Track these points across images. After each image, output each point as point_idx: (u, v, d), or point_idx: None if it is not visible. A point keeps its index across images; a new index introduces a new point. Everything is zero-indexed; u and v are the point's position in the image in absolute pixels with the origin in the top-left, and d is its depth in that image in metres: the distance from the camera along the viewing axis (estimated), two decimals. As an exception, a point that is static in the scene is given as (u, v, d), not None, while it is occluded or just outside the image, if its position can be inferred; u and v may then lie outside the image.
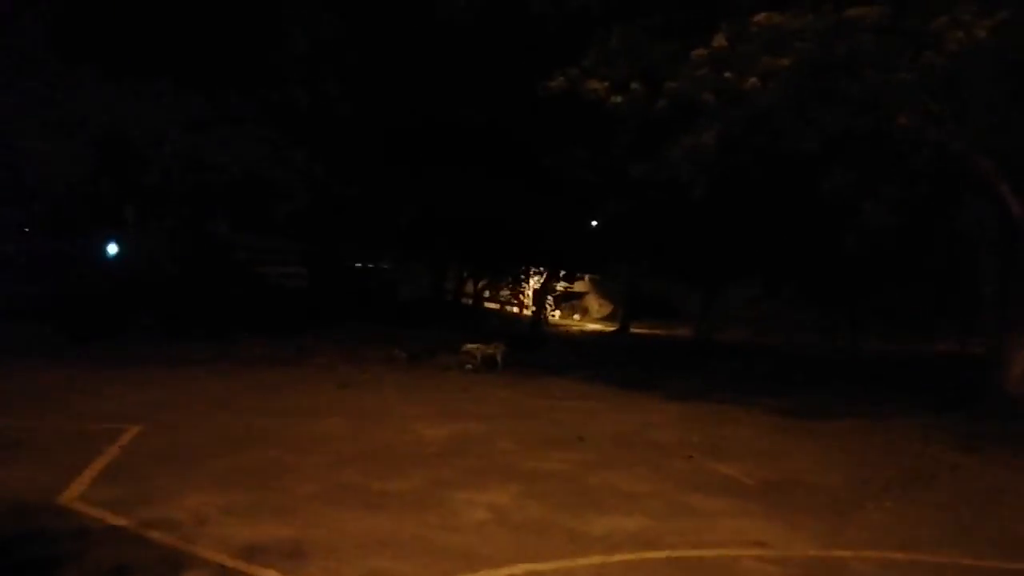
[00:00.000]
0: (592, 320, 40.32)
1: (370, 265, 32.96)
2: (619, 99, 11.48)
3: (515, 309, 37.84)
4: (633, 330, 33.17)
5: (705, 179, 12.74)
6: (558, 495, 7.01)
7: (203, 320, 20.74)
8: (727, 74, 10.54)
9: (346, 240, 26.04)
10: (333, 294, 28.65)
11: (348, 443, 8.73)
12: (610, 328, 35.33)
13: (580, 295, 39.77)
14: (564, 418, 11.18)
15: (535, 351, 20.72)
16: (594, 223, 24.64)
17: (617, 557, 5.49)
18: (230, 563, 4.97)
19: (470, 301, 35.31)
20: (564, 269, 29.62)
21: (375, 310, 26.88)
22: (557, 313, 37.34)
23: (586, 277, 36.10)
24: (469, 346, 17.08)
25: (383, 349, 19.09)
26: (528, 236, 24.77)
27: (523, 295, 37.36)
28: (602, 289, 40.68)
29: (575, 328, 35.50)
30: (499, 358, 16.97)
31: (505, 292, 37.60)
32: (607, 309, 41.82)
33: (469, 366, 16.76)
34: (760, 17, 10.21)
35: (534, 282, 35.86)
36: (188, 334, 19.32)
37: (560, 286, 34.01)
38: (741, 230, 18.00)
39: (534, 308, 33.81)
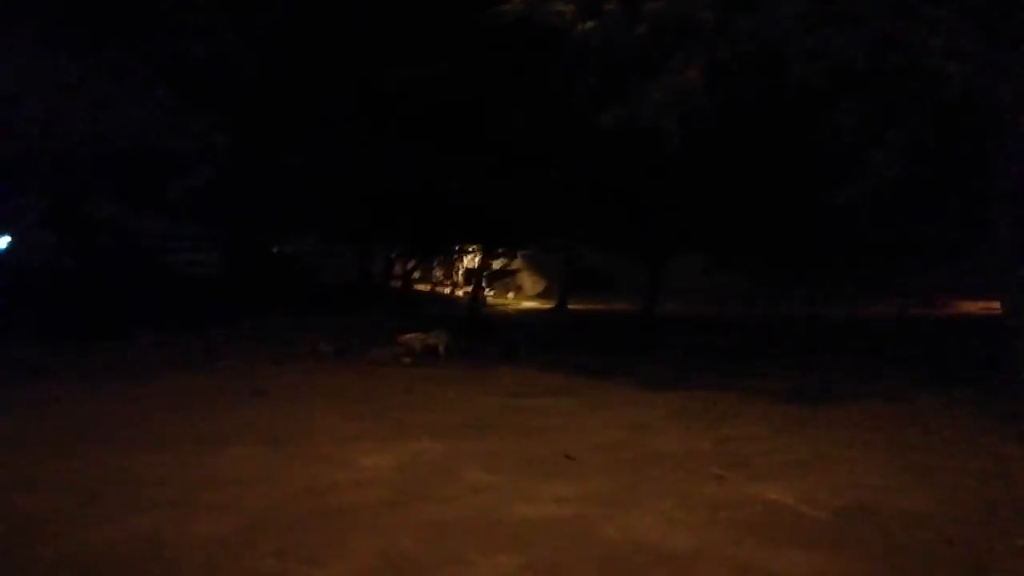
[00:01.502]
0: (526, 298, 38.11)
1: (289, 249, 29.69)
2: (590, 24, 8.98)
3: (447, 290, 35.17)
4: (571, 306, 31.02)
5: (680, 128, 10.44)
6: (576, 569, 4.57)
7: (94, 319, 17.45)
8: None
9: (256, 221, 22.76)
10: (248, 282, 25.41)
11: (257, 491, 6.05)
12: (547, 305, 33.17)
13: (512, 272, 37.36)
14: (536, 424, 8.74)
15: (478, 336, 18.19)
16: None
17: None
18: None
19: (399, 284, 32.49)
20: (503, 245, 27.17)
21: (296, 298, 23.81)
22: (490, 292, 34.83)
23: (517, 253, 33.71)
24: (406, 336, 14.47)
25: (306, 343, 16.26)
26: (462, 210, 22.12)
27: (456, 275, 34.73)
28: (535, 265, 38.42)
29: (511, 307, 33.16)
30: (441, 348, 14.41)
31: (438, 272, 34.88)
32: (541, 285, 39.69)
33: (407, 359, 14.16)
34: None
35: (468, 260, 33.31)
36: (73, 336, 16.01)
37: (497, 263, 31.58)
38: (699, 193, 15.89)
39: (469, 288, 31.26)
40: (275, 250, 30.85)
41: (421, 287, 35.24)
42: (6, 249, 22.27)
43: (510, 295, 37.27)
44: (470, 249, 32.48)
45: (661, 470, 6.78)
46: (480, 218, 22.85)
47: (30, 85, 12.58)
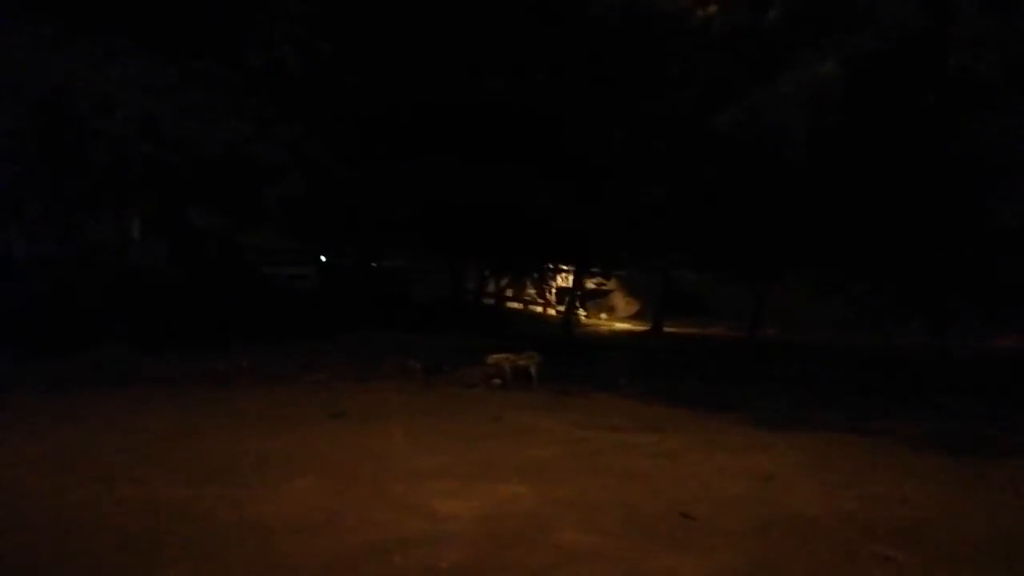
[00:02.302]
0: (619, 319, 36.39)
1: (385, 264, 29.17)
2: (712, 9, 7.61)
3: (539, 309, 33.93)
4: (667, 329, 29.20)
5: (807, 132, 8.87)
6: None
7: (195, 329, 17.12)
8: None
9: (350, 231, 22.18)
10: (344, 297, 24.95)
11: (312, 545, 4.93)
12: (640, 327, 31.41)
13: (606, 293, 35.80)
14: (642, 469, 7.32)
15: (572, 358, 16.81)
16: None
17: None
18: None
19: (492, 301, 31.47)
20: (598, 264, 25.75)
21: (390, 314, 23.12)
22: (583, 312, 33.39)
23: (612, 273, 32.12)
24: (496, 356, 13.25)
25: (396, 359, 15.32)
26: (557, 229, 20.85)
27: (549, 294, 33.44)
28: (628, 285, 36.72)
29: (604, 328, 31.59)
30: (533, 371, 13.12)
31: (531, 291, 33.70)
32: (634, 307, 37.90)
33: (497, 381, 12.95)
34: None
35: (561, 279, 32.02)
36: (172, 346, 15.62)
37: (591, 283, 30.12)
38: (822, 208, 14.08)
39: (563, 308, 29.92)
40: (374, 265, 30.51)
41: (514, 305, 34.15)
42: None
43: (603, 315, 35.68)
44: (564, 268, 31.17)
45: (805, 542, 5.28)
46: (575, 237, 21.53)
47: (126, 91, 12.16)
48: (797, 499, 6.39)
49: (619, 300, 37.59)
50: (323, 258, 29.73)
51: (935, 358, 18.46)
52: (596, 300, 34.89)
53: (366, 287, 27.33)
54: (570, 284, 30.69)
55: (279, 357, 15.31)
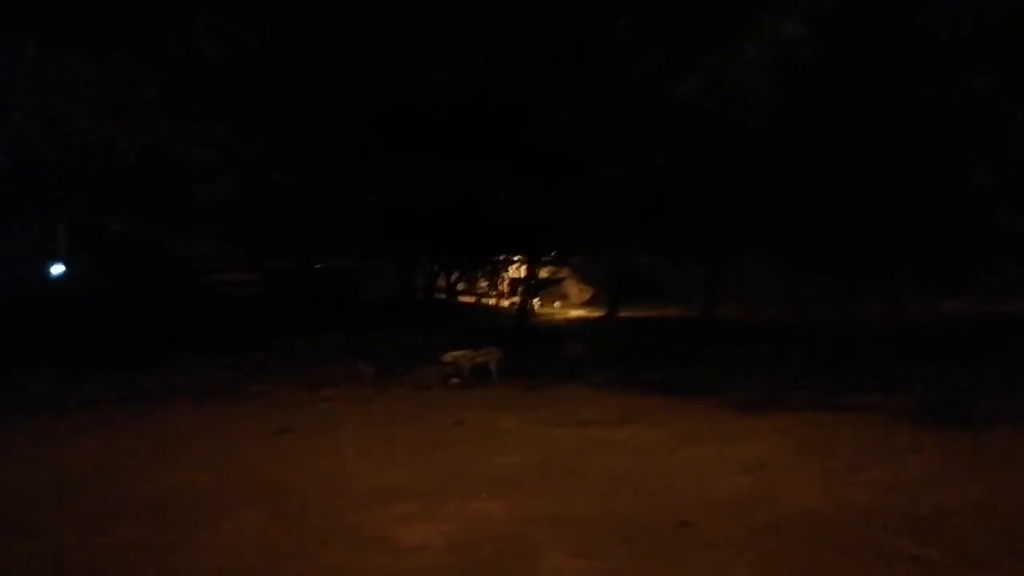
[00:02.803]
0: (573, 306, 35.80)
1: (331, 266, 27.98)
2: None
3: (492, 301, 33.12)
4: (622, 314, 28.70)
5: (773, 98, 8.24)
6: None
7: (126, 346, 15.82)
8: None
9: (290, 235, 21.00)
10: (289, 301, 23.77)
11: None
12: (595, 314, 30.86)
13: (558, 281, 35.13)
14: (625, 469, 6.58)
15: (530, 349, 16.04)
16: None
17: None
18: None
19: (444, 296, 30.53)
20: (551, 253, 25.03)
21: (337, 315, 22.04)
22: (536, 302, 32.70)
23: (565, 262, 31.47)
24: (453, 354, 12.40)
25: (346, 363, 14.36)
26: (508, 221, 20.04)
27: (502, 285, 32.64)
28: (580, 272, 36.14)
29: (558, 316, 30.95)
30: (493, 367, 12.33)
31: (483, 284, 32.85)
32: (587, 294, 37.34)
33: (455, 380, 12.12)
34: None
35: (513, 270, 31.24)
36: (101, 366, 14.33)
37: (544, 272, 29.41)
38: (785, 179, 13.53)
39: (515, 299, 29.15)
40: (318, 266, 29.26)
41: (466, 299, 33.26)
42: (60, 276, 20.98)
43: (556, 304, 35.03)
44: (515, 259, 30.38)
45: (821, 544, 4.61)
46: (527, 228, 20.74)
47: (30, 89, 10.89)
48: (799, 492, 5.73)
49: (572, 288, 37.00)
50: (266, 263, 28.43)
51: (896, 327, 18.25)
52: (549, 289, 34.17)
53: (312, 289, 26.14)
54: (522, 274, 29.95)
55: (220, 370, 14.21)
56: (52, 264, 20.58)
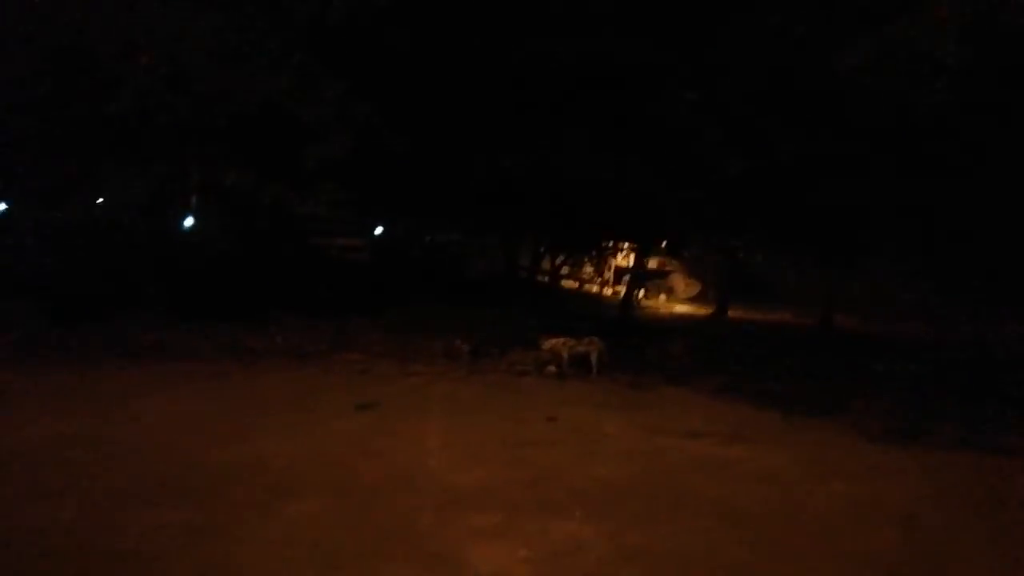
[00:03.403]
0: (678, 301, 34.10)
1: (438, 238, 27.65)
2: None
3: (595, 288, 31.98)
4: (731, 314, 26.92)
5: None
6: None
7: (234, 300, 15.82)
8: None
9: (401, 202, 20.58)
10: (396, 270, 23.52)
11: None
12: (702, 311, 29.16)
13: (665, 273, 33.52)
14: (742, 501, 5.48)
15: (633, 343, 14.88)
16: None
17: None
18: None
19: (546, 279, 29.66)
20: (662, 242, 23.63)
21: (442, 288, 21.56)
22: (641, 293, 31.30)
23: (676, 253, 29.86)
24: (552, 341, 11.47)
25: (443, 338, 13.73)
26: (623, 205, 18.84)
27: (607, 273, 31.42)
28: (689, 266, 34.36)
29: (663, 310, 29.43)
30: (594, 359, 11.32)
31: (588, 269, 31.73)
32: (694, 289, 35.52)
33: (552, 368, 11.20)
34: None
35: (620, 258, 29.95)
36: (207, 317, 14.33)
37: (653, 263, 27.98)
38: (944, 167, 11.75)
39: (619, 288, 27.90)
40: (428, 239, 29.02)
41: (569, 283, 32.27)
42: (189, 229, 21.55)
43: (661, 297, 33.42)
44: (623, 247, 29.08)
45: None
46: (641, 213, 19.47)
47: (151, 35, 10.66)
48: (974, 568, 4.48)
49: (679, 281, 35.28)
50: (377, 230, 28.43)
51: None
52: (655, 281, 32.68)
53: (418, 260, 25.86)
54: (629, 263, 28.64)
55: (319, 332, 13.87)
56: (184, 216, 21.13)
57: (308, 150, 12.94)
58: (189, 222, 21.64)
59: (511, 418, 7.91)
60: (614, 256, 30.27)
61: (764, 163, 15.31)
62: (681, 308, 32.05)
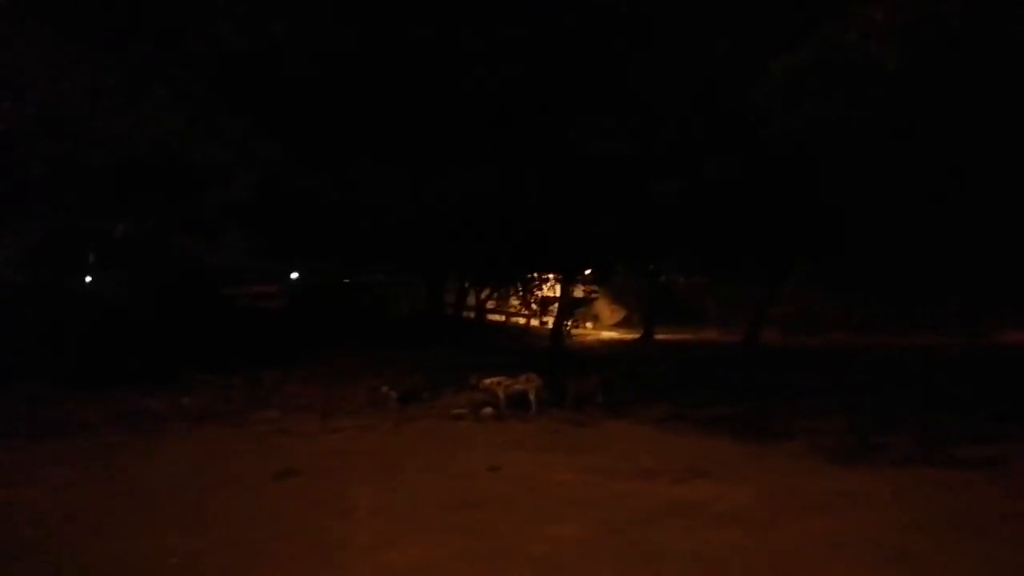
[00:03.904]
0: (604, 327, 33.95)
1: (358, 280, 26.52)
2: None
3: (522, 320, 31.41)
4: (657, 336, 26.80)
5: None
6: None
7: (136, 360, 14.34)
8: None
9: (313, 245, 19.47)
10: (315, 316, 22.26)
11: None
12: (629, 335, 29.01)
13: (590, 301, 33.34)
14: (721, 555, 4.80)
15: (567, 374, 14.21)
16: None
17: None
18: None
19: (473, 314, 28.90)
20: (587, 270, 23.30)
21: (363, 332, 20.46)
22: (570, 322, 30.96)
23: (602, 280, 29.71)
24: (488, 380, 10.70)
25: (369, 385, 12.74)
26: (545, 234, 18.41)
27: (533, 304, 30.89)
28: (613, 292, 34.29)
29: (591, 338, 29.09)
30: (532, 396, 10.58)
31: (514, 302, 31.15)
32: (619, 315, 35.52)
33: (489, 410, 10.40)
34: None
35: (546, 289, 29.48)
36: (106, 381, 12.84)
37: (580, 291, 27.66)
38: (873, 178, 11.76)
39: (546, 319, 27.40)
40: (345, 281, 27.82)
41: (496, 317, 31.60)
42: (88, 285, 19.76)
43: (588, 325, 33.20)
44: (548, 277, 28.67)
45: None
46: (564, 243, 19.06)
47: (26, 74, 9.48)
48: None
49: (604, 308, 35.20)
50: (293, 275, 27.08)
51: (967, 358, 16.23)
52: (581, 309, 32.43)
53: (338, 304, 24.66)
54: (555, 293, 28.26)
55: (231, 390, 12.65)
56: (83, 272, 19.40)
57: (208, 195, 11.87)
58: (88, 278, 19.93)
59: (450, 472, 7.04)
60: (539, 287, 29.81)
61: (687, 185, 15.13)
62: (608, 334, 31.82)
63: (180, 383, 13.18)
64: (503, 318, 31.79)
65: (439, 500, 6.01)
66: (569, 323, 27.45)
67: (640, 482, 6.66)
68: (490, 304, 30.19)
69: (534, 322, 31.06)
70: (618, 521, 5.46)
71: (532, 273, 26.80)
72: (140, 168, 10.83)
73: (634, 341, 26.41)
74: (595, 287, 29.72)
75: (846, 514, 5.60)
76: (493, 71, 14.67)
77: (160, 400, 11.54)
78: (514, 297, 30.94)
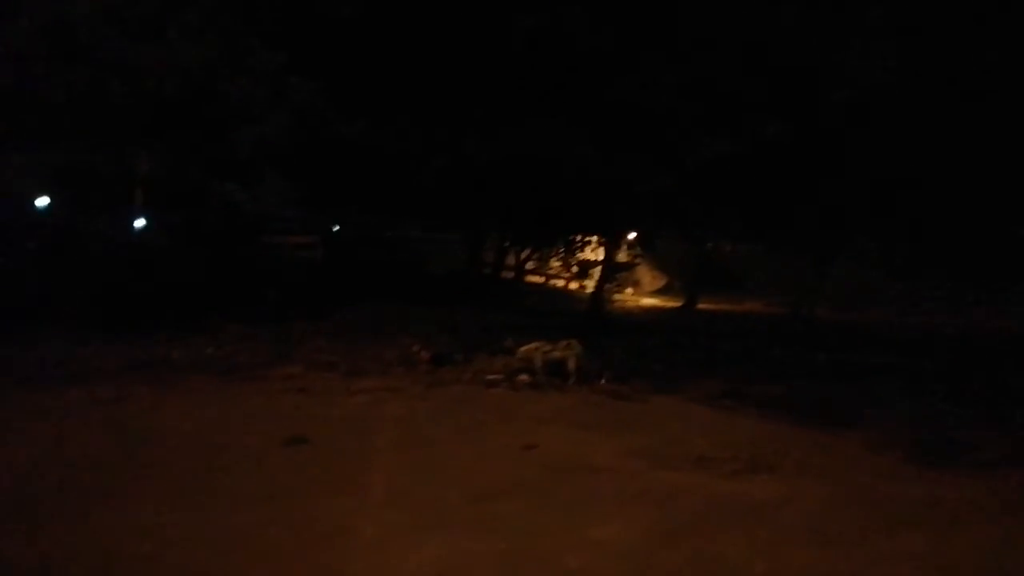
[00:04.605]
0: (645, 293, 32.76)
1: (397, 235, 25.72)
2: None
3: (561, 283, 30.43)
4: (700, 305, 25.58)
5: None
6: None
7: (165, 307, 13.79)
8: None
9: (350, 194, 18.61)
10: (351, 269, 21.57)
11: None
12: (670, 303, 27.85)
13: (632, 266, 32.10)
14: (802, 572, 3.89)
15: (608, 341, 13.22)
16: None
17: None
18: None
19: (512, 274, 28.00)
20: (631, 232, 22.13)
21: (400, 287, 19.71)
22: (609, 286, 29.87)
23: (648, 243, 28.45)
24: (526, 347, 9.81)
25: (400, 342, 11.97)
26: (592, 193, 17.29)
27: (575, 267, 29.82)
28: (655, 258, 32.98)
29: (631, 304, 27.99)
30: (571, 366, 9.65)
31: (555, 264, 30.11)
32: (660, 281, 34.22)
33: (525, 377, 9.51)
34: None
35: (588, 251, 28.37)
36: (133, 326, 12.32)
37: (624, 255, 26.49)
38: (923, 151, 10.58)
39: (588, 282, 26.34)
40: (387, 235, 27.06)
41: (534, 279, 30.65)
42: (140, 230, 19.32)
43: (628, 291, 32.02)
44: (590, 240, 27.52)
45: None
46: (610, 202, 17.91)
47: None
48: None
49: (645, 274, 33.91)
50: (334, 227, 26.40)
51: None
52: (622, 273, 31.24)
53: (376, 258, 23.94)
54: (596, 257, 27.14)
55: (258, 341, 11.99)
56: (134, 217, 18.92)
57: (240, 134, 11.04)
58: (140, 223, 19.48)
59: (479, 449, 6.20)
60: (581, 249, 28.71)
61: (742, 146, 13.90)
62: (649, 301, 30.66)
63: (208, 333, 12.60)
64: (542, 280, 30.84)
65: (464, 485, 5.17)
66: (609, 287, 26.39)
67: (695, 473, 5.73)
68: (529, 265, 29.21)
69: (573, 285, 30.06)
70: (672, 524, 4.55)
71: (574, 234, 25.68)
72: (167, 101, 9.99)
73: (676, 309, 25.27)
74: (639, 251, 28.48)
75: (947, 532, 4.60)
76: (545, 16, 13.53)
77: (184, 350, 10.94)
78: (555, 259, 29.87)
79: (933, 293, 22.61)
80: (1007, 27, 9.47)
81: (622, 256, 26.85)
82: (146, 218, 19.03)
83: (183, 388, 8.38)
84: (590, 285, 26.25)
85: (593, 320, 16.86)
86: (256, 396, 8.07)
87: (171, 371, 9.32)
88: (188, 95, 10.26)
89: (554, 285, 30.45)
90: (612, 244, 21.25)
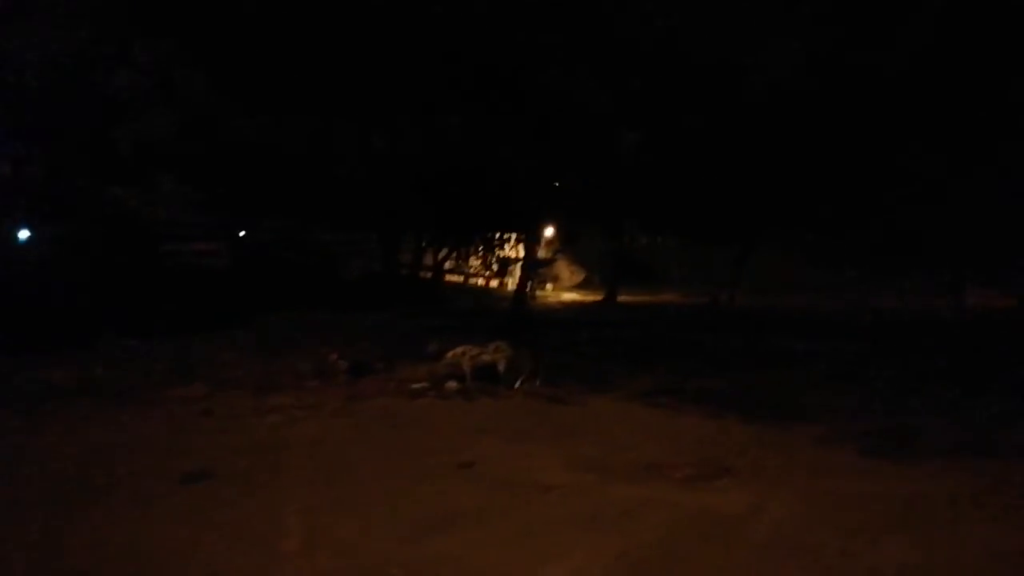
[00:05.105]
0: (564, 289, 32.61)
1: (308, 238, 24.40)
2: None
3: (481, 282, 29.79)
4: (619, 298, 25.51)
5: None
6: None
7: (57, 322, 12.30)
8: None
9: (259, 197, 17.34)
10: (258, 276, 20.22)
11: None
12: (590, 297, 27.72)
13: (551, 261, 31.83)
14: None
15: (530, 338, 12.62)
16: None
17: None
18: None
19: (429, 275, 27.12)
20: (550, 229, 21.72)
21: (313, 294, 18.56)
22: (530, 284, 29.47)
23: (564, 240, 28.20)
24: (452, 352, 9.09)
25: (315, 352, 11.01)
26: (510, 190, 16.71)
27: (494, 265, 29.23)
28: (573, 253, 32.88)
29: (552, 300, 27.67)
30: (501, 368, 9.01)
31: (474, 262, 29.41)
32: (580, 276, 34.21)
33: (453, 383, 8.80)
34: None
35: (507, 249, 27.82)
36: (14, 345, 10.82)
37: (544, 252, 26.08)
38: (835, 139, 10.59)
39: (508, 279, 25.82)
40: (295, 239, 25.65)
41: (453, 278, 29.88)
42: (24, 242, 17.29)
43: (548, 286, 31.75)
44: (508, 237, 26.99)
45: None
46: (529, 200, 17.38)
47: None
48: None
49: (564, 269, 33.78)
50: (240, 232, 24.80)
51: (954, 320, 15.28)
52: (542, 269, 30.92)
53: (286, 263, 22.59)
54: (514, 254, 26.67)
55: (156, 358, 10.76)
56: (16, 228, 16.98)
57: (120, 130, 9.81)
58: (24, 234, 17.53)
59: (409, 473, 5.45)
60: (500, 247, 28.16)
61: (653, 136, 13.65)
62: (569, 295, 30.43)
63: (98, 351, 11.27)
64: (462, 279, 30.12)
65: (396, 520, 4.42)
66: (531, 285, 25.96)
67: (649, 484, 5.19)
68: (448, 264, 28.45)
69: (493, 283, 29.49)
70: (638, 551, 3.96)
71: (493, 232, 25.09)
72: (30, 95, 8.71)
73: (597, 303, 25.09)
74: (558, 247, 28.19)
75: (927, 540, 4.21)
76: (453, 6, 12.83)
77: (70, 371, 9.60)
78: (474, 257, 29.21)
79: (851, 280, 23.26)
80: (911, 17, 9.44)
81: (541, 252, 26.48)
82: (30, 229, 17.20)
83: (64, 417, 7.23)
84: (510, 283, 25.78)
85: (518, 319, 16.28)
86: (151, 422, 7.03)
87: (51, 397, 8.09)
88: (58, 88, 8.98)
89: (474, 284, 29.79)
90: (531, 241, 20.74)
